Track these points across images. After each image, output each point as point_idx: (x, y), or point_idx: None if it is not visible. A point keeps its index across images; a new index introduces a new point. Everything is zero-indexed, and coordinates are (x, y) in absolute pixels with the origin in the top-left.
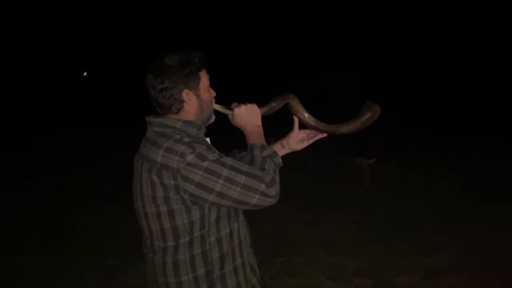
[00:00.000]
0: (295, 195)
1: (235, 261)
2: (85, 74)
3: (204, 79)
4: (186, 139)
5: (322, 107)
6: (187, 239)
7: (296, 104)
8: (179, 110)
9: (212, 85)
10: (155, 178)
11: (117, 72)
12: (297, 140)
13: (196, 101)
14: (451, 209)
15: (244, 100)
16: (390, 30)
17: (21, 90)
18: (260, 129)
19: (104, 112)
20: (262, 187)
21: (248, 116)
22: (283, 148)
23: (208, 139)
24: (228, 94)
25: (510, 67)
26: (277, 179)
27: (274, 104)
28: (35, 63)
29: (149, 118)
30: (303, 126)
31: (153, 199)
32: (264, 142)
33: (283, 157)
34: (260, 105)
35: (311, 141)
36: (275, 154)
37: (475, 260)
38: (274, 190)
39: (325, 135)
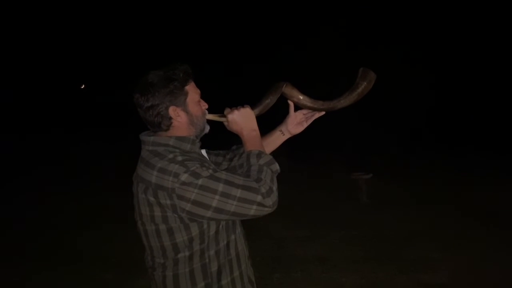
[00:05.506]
0: (292, 211)
1: (232, 273)
2: (83, 86)
3: (192, 92)
4: (179, 158)
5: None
6: (187, 253)
7: (290, 90)
8: (168, 126)
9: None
10: (151, 198)
11: (116, 84)
12: (295, 123)
13: (185, 116)
14: (448, 226)
15: (236, 104)
16: (388, 46)
17: (19, 106)
18: (256, 133)
19: (105, 126)
20: (258, 198)
21: (242, 121)
22: (283, 134)
23: (204, 151)
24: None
25: (508, 85)
26: (275, 187)
27: (268, 100)
28: (32, 76)
29: (142, 137)
30: (299, 108)
31: (152, 218)
32: (262, 148)
33: (284, 143)
34: (253, 105)
35: (310, 121)
36: (272, 161)
37: (472, 278)
38: (271, 200)
39: (323, 113)
